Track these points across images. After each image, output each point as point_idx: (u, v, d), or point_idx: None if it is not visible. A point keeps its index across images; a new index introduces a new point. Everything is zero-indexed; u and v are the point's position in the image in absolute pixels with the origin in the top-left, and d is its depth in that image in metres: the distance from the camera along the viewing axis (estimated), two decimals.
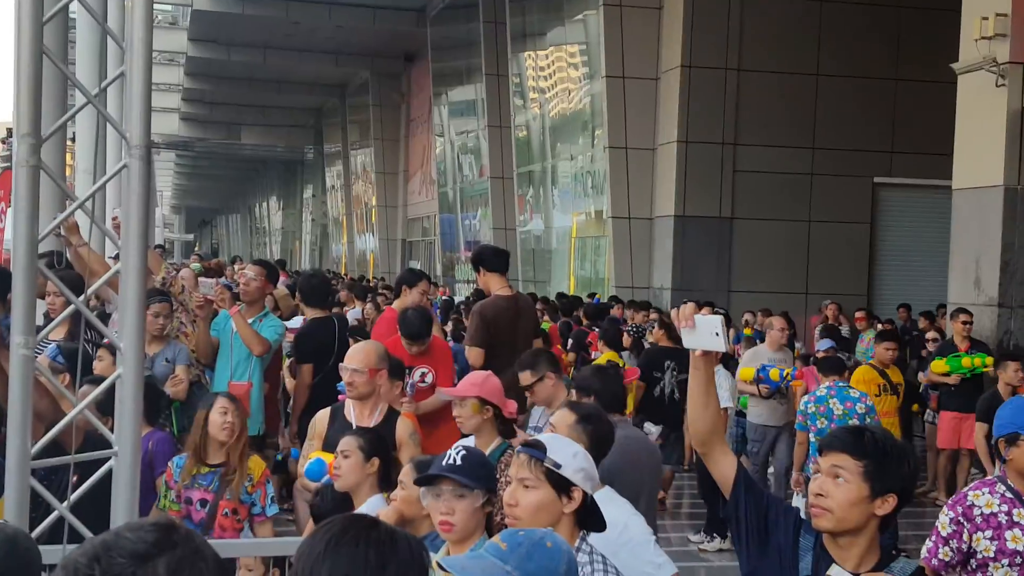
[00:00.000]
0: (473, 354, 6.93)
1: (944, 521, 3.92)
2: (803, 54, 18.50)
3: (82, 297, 3.64)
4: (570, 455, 3.05)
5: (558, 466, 2.97)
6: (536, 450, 3.06)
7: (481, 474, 3.24)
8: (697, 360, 2.97)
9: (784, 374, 9.60)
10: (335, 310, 10.94)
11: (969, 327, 10.88)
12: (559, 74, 22.95)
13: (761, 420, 9.87)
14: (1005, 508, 3.84)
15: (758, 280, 18.46)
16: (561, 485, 2.98)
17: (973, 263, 11.83)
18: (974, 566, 3.87)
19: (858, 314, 15.23)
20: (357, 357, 5.29)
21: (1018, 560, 3.77)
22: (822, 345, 11.53)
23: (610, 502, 3.58)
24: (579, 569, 2.68)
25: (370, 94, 37.87)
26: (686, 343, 3.00)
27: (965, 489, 3.91)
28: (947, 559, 3.90)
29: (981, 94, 11.61)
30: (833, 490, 2.75)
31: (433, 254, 32.50)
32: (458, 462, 3.18)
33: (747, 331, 14.49)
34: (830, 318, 15.45)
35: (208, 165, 64.80)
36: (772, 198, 18.70)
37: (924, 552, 4.05)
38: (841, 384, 8.53)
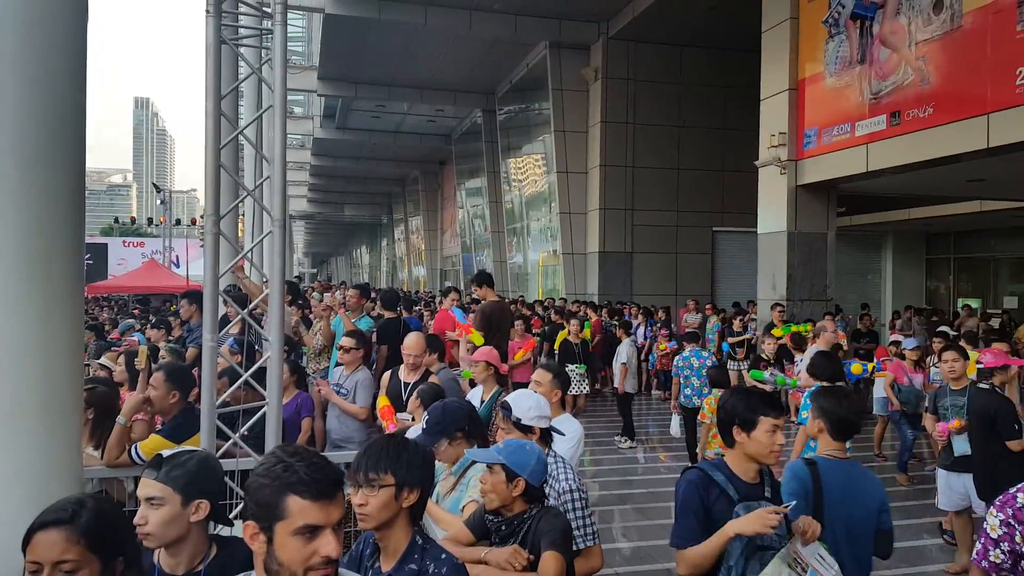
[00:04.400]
0: (477, 336, 6.69)
1: (994, 523, 2.35)
2: (670, 155, 18.60)
3: (247, 310, 3.69)
4: (526, 409, 2.88)
5: (519, 419, 2.86)
6: (505, 409, 2.91)
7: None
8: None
9: (868, 368, 7.47)
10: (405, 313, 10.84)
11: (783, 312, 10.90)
12: (529, 170, 22.97)
13: None
14: None
15: (648, 288, 18.48)
16: (524, 428, 2.85)
17: (771, 275, 11.89)
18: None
19: (707, 307, 15.28)
20: (418, 346, 4.90)
21: None
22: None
23: (569, 421, 3.46)
24: (548, 465, 2.65)
25: (419, 184, 37.84)
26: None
27: (1013, 490, 2.37)
28: (998, 561, 2.34)
29: (772, 178, 11.67)
30: None
31: (459, 278, 32.48)
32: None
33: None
34: (691, 309, 15.35)
35: (325, 227, 64.67)
36: (654, 240, 18.71)
37: (973, 555, 2.43)
38: (697, 348, 8.46)
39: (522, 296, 18.55)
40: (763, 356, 8.59)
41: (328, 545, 1.45)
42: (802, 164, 11.30)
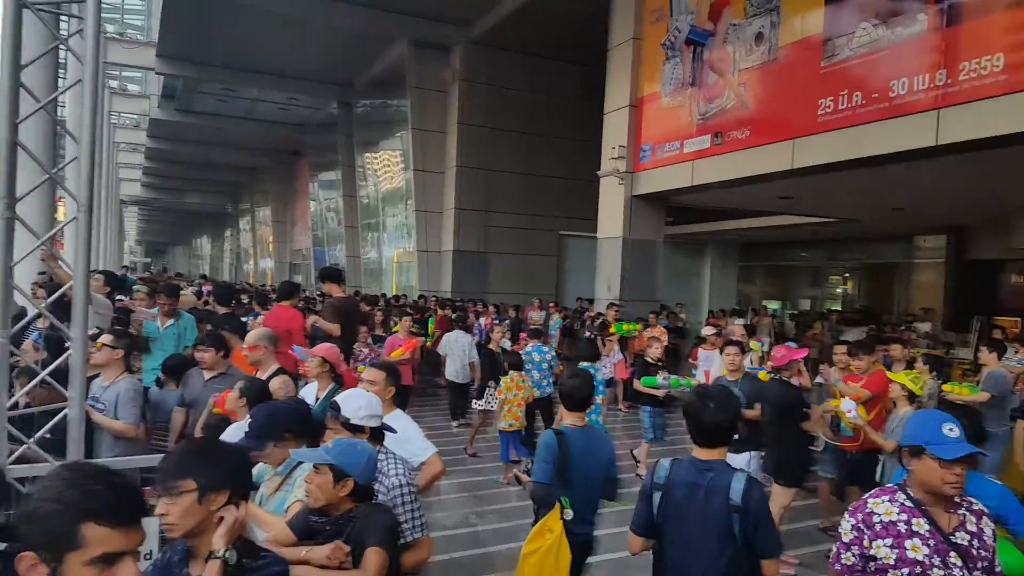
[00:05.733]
0: (333, 328, 6.41)
1: (846, 527, 2.42)
2: (525, 161, 18.97)
3: (45, 304, 3.31)
4: (355, 409, 2.77)
5: (347, 419, 2.75)
6: (334, 409, 2.78)
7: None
8: None
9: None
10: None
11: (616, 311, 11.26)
12: (387, 167, 22.56)
13: None
14: (904, 517, 2.37)
15: (501, 287, 18.78)
16: (354, 427, 2.74)
17: (607, 277, 12.43)
18: (872, 569, 2.36)
19: (551, 305, 15.69)
20: (248, 339, 4.58)
21: (918, 570, 2.30)
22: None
23: (400, 418, 3.40)
24: (379, 462, 2.63)
25: (270, 174, 36.07)
26: None
27: (866, 496, 2.44)
28: (850, 563, 2.40)
29: (612, 188, 12.18)
30: None
31: (310, 272, 31.34)
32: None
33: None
34: (537, 307, 15.73)
35: (162, 214, 59.28)
36: (508, 241, 19.06)
37: (830, 558, 2.49)
38: (539, 344, 8.62)
39: (428, 298, 17.96)
40: (649, 360, 7.71)
41: (128, 573, 1.34)
42: (638, 176, 11.89)
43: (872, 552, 2.34)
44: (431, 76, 18.68)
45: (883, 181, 9.73)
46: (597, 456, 3.39)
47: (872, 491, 2.44)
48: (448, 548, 5.43)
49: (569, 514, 3.24)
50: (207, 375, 4.60)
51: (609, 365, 9.67)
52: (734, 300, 21.74)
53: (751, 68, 9.82)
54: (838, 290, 20.11)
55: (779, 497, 5.17)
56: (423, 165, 18.98)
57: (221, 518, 1.85)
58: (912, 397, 4.82)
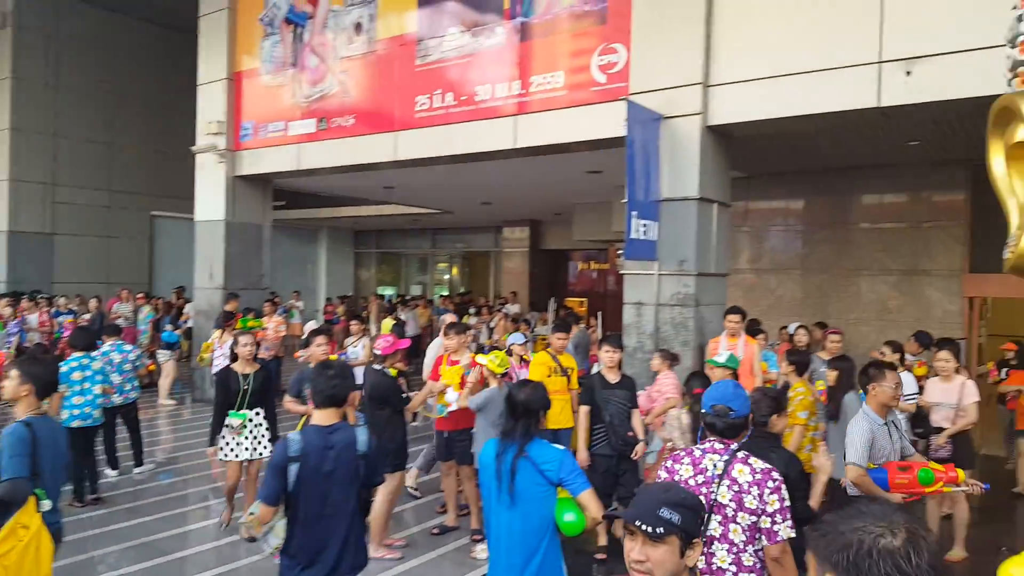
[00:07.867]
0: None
1: (784, 495, 2.49)
2: (105, 128, 16.70)
3: None
4: None
5: None
6: None
7: None
8: None
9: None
10: None
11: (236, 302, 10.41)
12: None
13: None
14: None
15: (74, 275, 16.30)
16: None
17: (209, 263, 11.55)
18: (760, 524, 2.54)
19: (139, 296, 13.95)
20: None
21: None
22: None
23: None
24: None
25: None
26: None
27: (765, 465, 2.54)
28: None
29: (210, 166, 11.37)
30: None
31: None
32: None
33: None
34: (124, 299, 13.88)
35: None
36: (83, 222, 16.54)
37: (789, 531, 2.50)
38: (118, 341, 7.61)
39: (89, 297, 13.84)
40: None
41: None
42: (240, 155, 11.24)
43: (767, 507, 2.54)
44: None
45: (473, 177, 10.83)
46: (59, 443, 3.48)
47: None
48: None
49: (47, 505, 3.22)
50: None
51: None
52: (351, 286, 22.18)
53: (352, 57, 9.99)
54: (445, 276, 21.95)
55: (387, 481, 5.24)
56: None
57: None
58: (495, 375, 5.28)
